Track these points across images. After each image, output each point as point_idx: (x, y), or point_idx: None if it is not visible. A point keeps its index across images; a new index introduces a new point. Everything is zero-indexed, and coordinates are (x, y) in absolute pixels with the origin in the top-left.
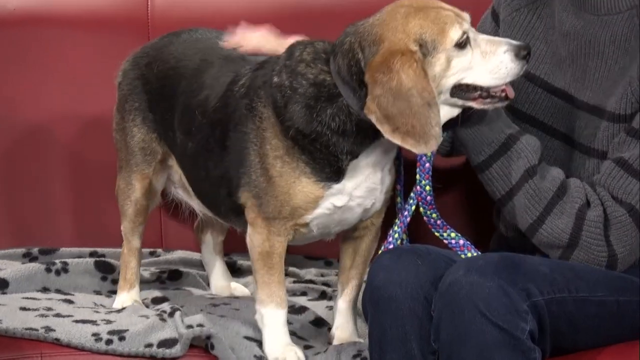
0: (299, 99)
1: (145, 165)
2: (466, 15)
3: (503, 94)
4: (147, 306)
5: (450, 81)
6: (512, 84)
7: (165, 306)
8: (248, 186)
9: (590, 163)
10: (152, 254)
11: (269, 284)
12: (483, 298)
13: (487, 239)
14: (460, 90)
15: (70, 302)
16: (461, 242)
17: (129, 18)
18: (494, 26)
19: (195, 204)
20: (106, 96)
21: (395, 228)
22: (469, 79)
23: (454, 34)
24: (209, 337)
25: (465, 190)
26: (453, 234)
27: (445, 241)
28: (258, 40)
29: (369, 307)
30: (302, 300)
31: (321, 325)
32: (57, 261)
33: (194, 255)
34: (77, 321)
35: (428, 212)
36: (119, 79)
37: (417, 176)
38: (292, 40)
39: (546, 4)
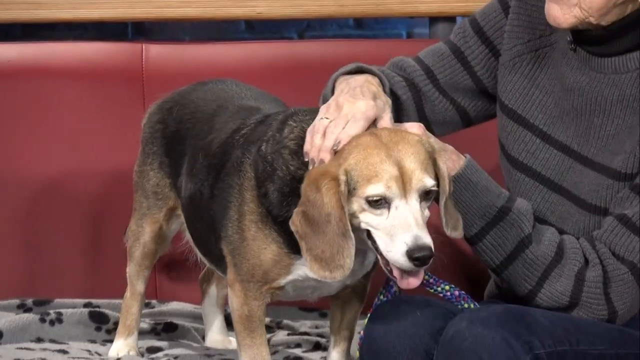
0: (277, 181)
1: (157, 209)
2: (418, 183)
3: (394, 276)
4: (142, 355)
5: (362, 225)
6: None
7: (161, 356)
8: (225, 240)
9: (591, 219)
10: (146, 305)
11: (251, 347)
12: (487, 350)
13: (481, 287)
14: (372, 238)
15: (64, 352)
16: (456, 293)
17: (124, 70)
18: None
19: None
20: (100, 148)
21: (382, 297)
22: (375, 236)
23: (371, 190)
24: None
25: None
26: (447, 287)
27: (441, 295)
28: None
29: (367, 359)
30: (296, 352)
31: None
32: (51, 311)
33: (188, 307)
34: None
35: None
36: (144, 121)
37: None
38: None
39: (548, 54)
